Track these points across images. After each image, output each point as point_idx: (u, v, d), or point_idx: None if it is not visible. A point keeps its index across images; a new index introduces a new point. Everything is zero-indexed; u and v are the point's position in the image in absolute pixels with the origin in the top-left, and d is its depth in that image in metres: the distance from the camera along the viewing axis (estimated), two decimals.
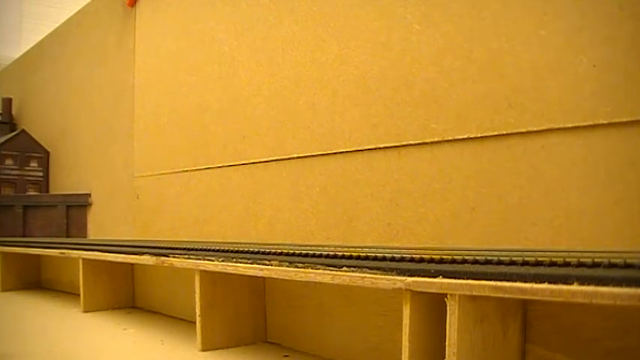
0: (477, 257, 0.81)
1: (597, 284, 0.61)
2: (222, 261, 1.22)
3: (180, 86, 2.27)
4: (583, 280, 0.62)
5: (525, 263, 0.74)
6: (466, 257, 0.82)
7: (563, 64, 1.08)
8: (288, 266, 1.03)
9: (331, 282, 0.93)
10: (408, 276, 0.81)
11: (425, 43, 1.33)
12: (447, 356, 0.74)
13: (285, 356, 1.22)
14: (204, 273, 1.27)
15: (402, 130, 1.38)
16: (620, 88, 1.00)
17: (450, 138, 1.27)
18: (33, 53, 3.98)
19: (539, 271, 0.68)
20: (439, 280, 0.77)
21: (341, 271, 0.93)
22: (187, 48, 2.24)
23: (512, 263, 0.75)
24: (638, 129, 0.99)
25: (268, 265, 1.08)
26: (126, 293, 1.91)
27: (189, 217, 2.20)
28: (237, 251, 1.27)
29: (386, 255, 0.93)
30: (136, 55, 2.62)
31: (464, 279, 0.74)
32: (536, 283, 0.66)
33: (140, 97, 2.58)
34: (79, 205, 3.11)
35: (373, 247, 1.13)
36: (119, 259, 1.63)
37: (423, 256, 0.88)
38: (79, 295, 1.84)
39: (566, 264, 0.70)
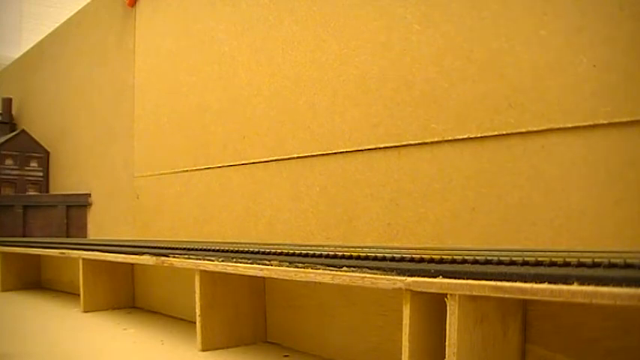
0: (477, 257, 0.81)
1: (597, 284, 0.61)
2: (222, 261, 1.22)
3: (180, 86, 2.27)
4: (583, 280, 0.62)
5: (525, 263, 0.74)
6: (466, 257, 0.82)
7: (563, 64, 1.08)
8: (288, 266, 1.03)
9: (331, 282, 0.93)
10: (408, 276, 0.81)
11: (425, 43, 1.33)
12: (447, 356, 0.74)
13: (285, 356, 1.22)
14: (204, 273, 1.27)
15: (402, 130, 1.38)
16: (620, 88, 1.00)
17: (450, 138, 1.27)
18: (33, 53, 3.98)
19: (539, 271, 0.68)
20: (439, 280, 0.77)
21: (341, 271, 0.93)
22: (187, 48, 2.24)
23: (512, 263, 0.75)
24: (638, 129, 0.99)
25: (268, 265, 1.08)
26: (126, 293, 1.91)
27: (189, 217, 2.20)
28: (237, 251, 1.27)
29: (386, 255, 0.93)
30: (136, 55, 2.62)
31: (464, 279, 0.74)
32: (536, 283, 0.66)
33: (140, 97, 2.58)
34: (79, 205, 3.11)
35: (373, 247, 1.13)
36: (119, 259, 1.63)
37: (423, 256, 0.88)
38: (79, 295, 1.84)
39: (566, 264, 0.70)
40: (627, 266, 0.64)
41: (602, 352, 0.77)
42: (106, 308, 1.85)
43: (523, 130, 1.14)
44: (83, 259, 1.81)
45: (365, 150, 1.47)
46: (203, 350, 1.26)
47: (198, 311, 1.27)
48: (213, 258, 1.26)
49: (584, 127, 1.05)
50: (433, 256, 0.87)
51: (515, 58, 1.15)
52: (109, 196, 2.87)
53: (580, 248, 0.95)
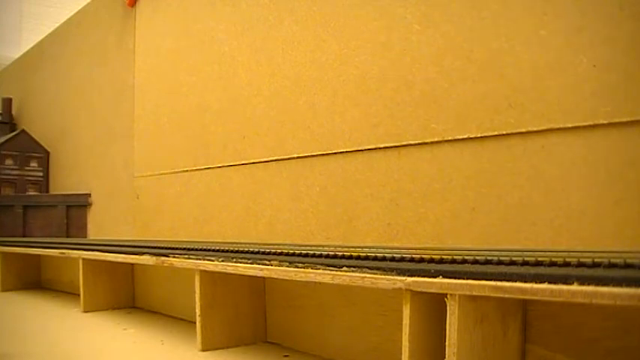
0: (477, 257, 0.81)
1: (597, 284, 0.61)
2: (222, 261, 1.22)
3: (180, 86, 2.27)
4: (583, 280, 0.62)
5: (525, 263, 0.74)
6: (466, 257, 0.82)
7: (563, 64, 1.08)
8: (288, 266, 1.03)
9: (331, 282, 0.93)
10: (408, 276, 0.81)
11: (425, 43, 1.33)
12: (447, 356, 0.74)
13: (285, 356, 1.22)
14: (204, 273, 1.27)
15: (402, 130, 1.38)
16: (620, 88, 1.00)
17: (450, 138, 1.27)
18: (33, 53, 3.99)
19: (539, 271, 0.68)
20: (439, 280, 0.77)
21: (341, 271, 0.93)
22: (187, 48, 2.24)
23: (512, 263, 0.75)
24: (638, 129, 0.99)
25: (268, 265, 1.08)
26: (126, 293, 1.91)
27: (189, 217, 2.20)
28: (237, 251, 1.27)
29: (386, 255, 0.93)
30: (136, 55, 2.62)
31: (464, 279, 0.74)
32: (536, 283, 0.66)
33: (140, 97, 2.58)
34: (79, 205, 3.11)
35: (373, 247, 1.13)
36: (119, 259, 1.63)
37: (423, 256, 0.88)
38: (79, 295, 1.84)
39: (566, 264, 0.70)
40: (627, 266, 0.64)
41: (602, 352, 0.77)
42: (106, 308, 1.85)
43: (523, 130, 1.14)
44: (83, 259, 1.81)
45: (365, 150, 1.47)
46: (203, 350, 1.26)
47: (198, 311, 1.27)
48: (213, 258, 1.26)
49: (584, 127, 1.05)
50: (433, 256, 0.87)
51: (515, 58, 1.15)
52: (109, 196, 2.87)
53: (580, 248, 0.95)
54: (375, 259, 0.93)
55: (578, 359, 0.80)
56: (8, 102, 4.11)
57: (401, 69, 1.38)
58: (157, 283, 1.82)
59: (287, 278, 1.03)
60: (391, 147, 1.40)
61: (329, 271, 0.94)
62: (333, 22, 1.58)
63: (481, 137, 1.21)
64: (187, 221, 2.21)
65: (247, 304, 1.35)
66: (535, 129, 1.12)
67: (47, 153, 3.59)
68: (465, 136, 1.24)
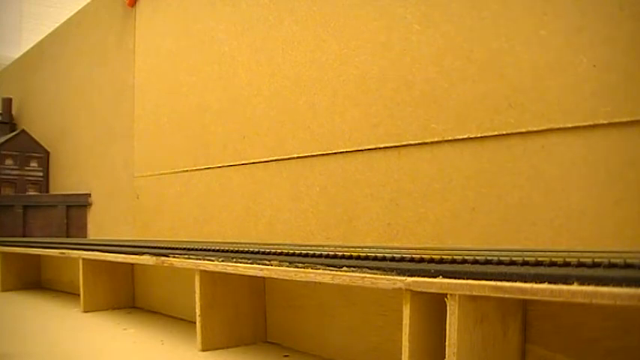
0: (477, 257, 0.81)
1: (597, 284, 0.61)
2: (222, 261, 1.22)
3: (180, 86, 2.27)
4: (583, 280, 0.62)
5: (525, 263, 0.74)
6: (466, 257, 0.82)
7: (563, 64, 1.08)
8: (288, 266, 1.03)
9: (331, 282, 0.93)
10: (408, 276, 0.81)
11: (425, 43, 1.33)
12: (447, 356, 0.74)
13: (285, 356, 1.22)
14: (204, 273, 1.27)
15: (402, 130, 1.38)
16: (620, 88, 1.00)
17: (450, 138, 1.27)
18: (33, 53, 3.99)
19: (539, 271, 0.68)
20: (439, 280, 0.77)
21: (341, 271, 0.93)
22: (187, 48, 2.24)
23: (512, 263, 0.75)
24: (638, 129, 0.99)
25: (268, 265, 1.08)
26: (126, 293, 1.91)
27: (189, 217, 2.20)
28: (237, 251, 1.27)
29: (386, 255, 0.93)
30: (136, 55, 2.62)
31: (464, 279, 0.74)
32: (536, 283, 0.66)
33: (140, 97, 2.58)
34: (79, 205, 3.11)
35: (373, 247, 1.13)
36: (119, 259, 1.63)
37: (423, 256, 0.88)
38: (79, 295, 1.84)
39: (566, 264, 0.70)
40: (627, 266, 0.64)
41: (602, 352, 0.77)
42: (106, 308, 1.85)
43: (523, 130, 1.14)
44: (83, 259, 1.81)
45: (365, 150, 1.47)
46: (203, 350, 1.26)
47: (198, 311, 1.27)
48: (213, 258, 1.26)
49: (584, 127, 1.05)
50: (433, 256, 0.87)
51: (515, 58, 1.15)
52: (109, 196, 2.87)
53: (580, 248, 0.95)
54: (375, 259, 0.93)
55: (578, 359, 0.80)
56: (8, 102, 4.11)
57: (401, 69, 1.38)
58: (157, 283, 1.82)
59: (287, 278, 1.03)
60: (391, 147, 1.40)
61: (329, 271, 0.94)
62: (333, 22, 1.58)
63: (481, 137, 1.21)
64: (187, 221, 2.21)
65: (247, 304, 1.35)
66: (535, 129, 1.12)
67: (47, 153, 3.59)
68: (465, 136, 1.24)
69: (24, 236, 3.19)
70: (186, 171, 2.22)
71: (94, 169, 3.03)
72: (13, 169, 3.50)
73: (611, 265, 0.65)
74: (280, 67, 1.76)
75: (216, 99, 2.06)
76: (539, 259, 0.73)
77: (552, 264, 0.71)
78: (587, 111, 1.05)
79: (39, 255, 2.36)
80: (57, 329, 1.58)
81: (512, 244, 1.13)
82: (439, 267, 0.81)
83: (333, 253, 1.01)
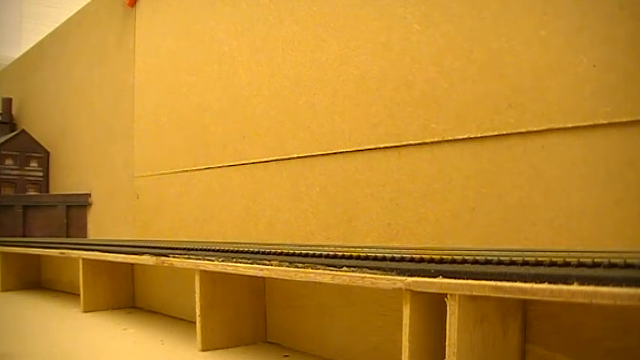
0: (477, 257, 0.81)
1: (597, 284, 0.61)
2: (222, 261, 1.22)
3: (180, 86, 2.27)
4: (583, 280, 0.62)
5: (525, 263, 0.74)
6: (466, 257, 0.82)
7: (563, 64, 1.08)
8: (288, 266, 1.03)
9: (331, 282, 0.93)
10: (408, 276, 0.81)
11: (425, 43, 1.33)
12: (447, 356, 0.74)
13: (285, 356, 1.22)
14: (204, 273, 1.27)
15: (402, 130, 1.38)
16: (620, 88, 1.00)
17: (450, 138, 1.27)
18: (33, 53, 3.98)
19: (539, 271, 0.68)
20: (439, 280, 0.77)
21: (341, 271, 0.93)
22: (187, 48, 2.24)
23: (512, 263, 0.75)
24: (638, 129, 0.99)
25: (268, 265, 1.08)
26: (126, 293, 1.91)
27: (189, 217, 2.20)
28: (237, 251, 1.27)
29: (386, 255, 0.93)
30: (136, 55, 2.62)
31: (464, 279, 0.74)
32: (536, 283, 0.66)
33: (140, 97, 2.58)
34: (79, 205, 3.11)
35: (373, 247, 1.12)
36: (119, 259, 1.63)
37: (423, 256, 0.88)
38: (79, 295, 1.84)
39: (566, 264, 0.70)
40: (627, 266, 0.64)
41: (602, 352, 0.77)
42: (106, 308, 1.85)
43: (523, 130, 1.14)
44: (83, 259, 1.81)
45: (365, 150, 1.47)
46: (203, 350, 1.26)
47: (198, 311, 1.27)
48: (213, 258, 1.26)
49: (584, 127, 1.05)
50: (433, 256, 0.87)
51: (515, 58, 1.15)
52: (109, 196, 2.87)
53: (580, 248, 0.95)
54: (375, 259, 0.93)
55: (578, 359, 0.80)
56: (8, 102, 4.11)
57: (401, 69, 1.38)
58: (157, 283, 1.82)
59: (287, 278, 1.03)
60: (391, 147, 1.40)
61: (329, 271, 0.94)
62: (333, 22, 1.58)
63: (481, 137, 1.21)
64: (187, 221, 2.21)
65: (247, 304, 1.35)
66: (535, 129, 1.12)
67: (47, 153, 3.59)
68: (465, 136, 1.24)
69: (24, 236, 3.19)
70: (186, 171, 2.22)
71: (94, 169, 3.03)
72: (13, 169, 3.50)
73: (611, 265, 0.65)
74: (280, 67, 1.76)
75: (216, 99, 2.06)
76: (539, 259, 0.73)
77: (552, 264, 0.71)
78: (587, 111, 1.05)
79: (39, 255, 2.36)
80: (57, 329, 1.58)
81: (512, 244, 1.13)
82: (439, 267, 0.81)
83: (333, 253, 1.01)
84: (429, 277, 0.79)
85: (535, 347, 0.85)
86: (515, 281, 0.68)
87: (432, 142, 1.31)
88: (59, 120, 3.49)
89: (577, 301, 0.61)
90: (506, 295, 0.69)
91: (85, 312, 1.80)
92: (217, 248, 1.33)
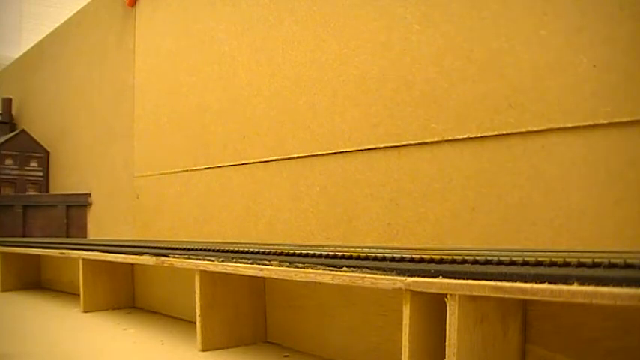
0: (477, 257, 0.81)
1: (597, 284, 0.61)
2: (222, 261, 1.22)
3: (180, 86, 2.27)
4: (583, 280, 0.62)
5: (525, 263, 0.74)
6: (466, 257, 0.82)
7: (563, 64, 1.08)
8: (288, 266, 1.03)
9: (331, 282, 0.93)
10: (408, 276, 0.81)
11: (425, 43, 1.33)
12: (447, 356, 0.74)
13: (285, 356, 1.22)
14: (204, 273, 1.27)
15: (402, 130, 1.38)
16: (620, 88, 1.00)
17: (450, 138, 1.27)
18: (33, 53, 3.98)
19: (539, 271, 0.68)
20: (439, 280, 0.77)
21: (341, 271, 0.93)
22: (187, 48, 2.24)
23: (512, 263, 0.75)
24: (638, 129, 0.99)
25: (268, 265, 1.08)
26: (126, 293, 1.91)
27: (189, 217, 2.20)
28: (237, 251, 1.27)
29: (386, 255, 0.93)
30: (136, 55, 2.62)
31: (464, 279, 0.74)
32: (536, 283, 0.66)
33: (140, 97, 2.58)
34: (79, 205, 3.11)
35: (373, 247, 1.12)
36: (119, 259, 1.63)
37: (423, 256, 0.88)
38: (79, 295, 1.84)
39: (566, 264, 0.70)
40: (627, 266, 0.64)
41: (602, 352, 0.77)
42: (106, 308, 1.85)
43: (523, 130, 1.14)
44: (83, 259, 1.81)
45: (365, 150, 1.47)
46: (203, 350, 1.26)
47: (198, 311, 1.27)
48: (213, 258, 1.26)
49: (584, 127, 1.05)
50: (433, 256, 0.87)
51: (515, 58, 1.15)
52: (109, 196, 2.87)
53: (580, 248, 0.95)
54: (375, 259, 0.93)
55: (578, 359, 0.80)
56: (8, 102, 4.11)
57: (401, 69, 1.38)
58: (157, 283, 1.82)
59: (287, 278, 1.03)
60: (391, 147, 1.40)
61: (329, 271, 0.94)
62: (333, 22, 1.58)
63: (481, 137, 1.21)
64: (187, 221, 2.21)
65: (247, 304, 1.35)
66: (535, 129, 1.12)
67: (47, 153, 3.59)
68: (465, 136, 1.24)
69: (24, 236, 3.19)
70: (186, 171, 2.22)
71: (94, 169, 3.03)
72: (13, 169, 3.50)
73: (611, 265, 0.65)
74: (280, 67, 1.76)
75: (216, 99, 2.06)
76: (539, 259, 0.73)
77: (552, 264, 0.71)
78: (587, 111, 1.05)
79: (39, 255, 2.36)
80: (57, 329, 1.58)
81: (512, 244, 1.13)
82: (439, 267, 0.81)
83: (333, 253, 1.01)
84: (429, 277, 0.79)
85: (535, 347, 0.85)
86: (515, 281, 0.68)
87: (432, 142, 1.31)
88: (59, 120, 3.49)
89: (577, 301, 0.61)
90: (506, 295, 0.69)
91: (85, 312, 1.80)
92: (217, 248, 1.33)
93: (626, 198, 0.99)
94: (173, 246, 1.52)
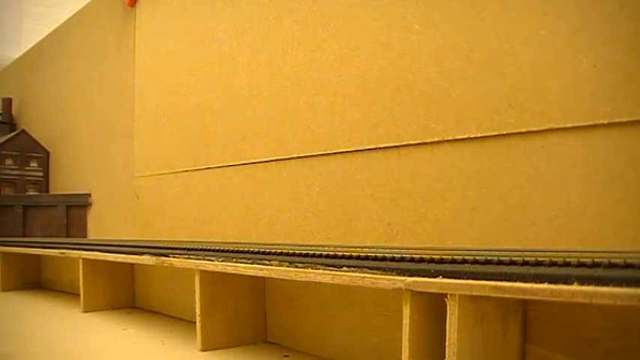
0: (477, 257, 0.81)
1: (597, 284, 0.61)
2: (222, 261, 1.22)
3: (180, 86, 2.27)
4: (583, 280, 0.62)
5: (525, 263, 0.74)
6: (466, 257, 0.82)
7: (563, 64, 1.08)
8: (288, 266, 1.03)
9: (331, 282, 0.93)
10: (408, 276, 0.81)
11: (425, 43, 1.33)
12: (447, 356, 0.74)
13: (285, 356, 1.22)
14: (204, 273, 1.27)
15: (402, 130, 1.38)
16: (620, 88, 1.00)
17: (450, 138, 1.27)
18: (33, 53, 3.98)
19: (539, 271, 0.68)
20: (439, 280, 0.77)
21: (341, 271, 0.93)
22: (187, 48, 2.24)
23: (512, 263, 0.75)
24: (638, 129, 0.99)
25: (268, 265, 1.08)
26: (126, 293, 1.91)
27: (189, 217, 2.20)
28: (237, 251, 1.27)
29: (386, 255, 0.93)
30: (136, 55, 2.62)
31: (464, 279, 0.74)
32: (536, 283, 0.66)
33: (140, 97, 2.58)
34: (79, 205, 3.11)
35: (373, 247, 1.12)
36: (119, 259, 1.63)
37: (423, 256, 0.88)
38: (79, 295, 1.84)
39: (566, 264, 0.70)
40: (627, 266, 0.64)
41: (602, 352, 0.77)
42: (106, 308, 1.85)
43: (523, 130, 1.14)
44: (83, 259, 1.81)
45: (365, 150, 1.47)
46: (203, 350, 1.26)
47: (198, 311, 1.27)
48: (213, 258, 1.26)
49: (584, 127, 1.05)
50: (433, 256, 0.87)
51: (515, 58, 1.15)
52: (109, 196, 2.87)
53: (580, 248, 0.95)
54: (375, 259, 0.93)
55: (578, 359, 0.80)
56: (8, 102, 4.11)
57: (401, 69, 1.38)
58: (157, 283, 1.82)
59: (287, 278, 1.03)
60: (391, 147, 1.40)
61: (329, 271, 0.94)
62: (333, 22, 1.58)
63: (481, 137, 1.21)
64: (187, 221, 2.21)
65: (247, 304, 1.35)
66: (535, 129, 1.12)
67: (47, 153, 3.59)
68: (465, 136, 1.24)
69: (24, 236, 3.19)
70: (186, 171, 2.22)
71: (94, 169, 3.03)
72: (13, 169, 3.50)
73: (611, 265, 0.65)
74: (280, 67, 1.76)
75: (216, 99, 2.06)
76: (539, 259, 0.73)
77: (552, 264, 0.71)
78: (587, 111, 1.05)
79: (39, 255, 2.36)
80: (57, 329, 1.58)
81: (512, 244, 1.13)
82: (439, 267, 0.81)
83: (333, 253, 1.01)
84: (429, 277, 0.79)
85: (535, 347, 0.85)
86: (515, 281, 0.68)
87: (432, 142, 1.31)
88: (59, 120, 3.49)
89: (577, 301, 0.61)
90: (506, 295, 0.69)
91: (85, 312, 1.80)
92: (217, 248, 1.33)
93: (626, 198, 0.99)
94: (173, 246, 1.52)
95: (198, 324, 1.27)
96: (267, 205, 1.81)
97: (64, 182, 3.41)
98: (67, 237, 3.08)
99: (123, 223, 2.69)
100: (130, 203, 2.61)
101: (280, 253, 1.16)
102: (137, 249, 1.60)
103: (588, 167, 1.05)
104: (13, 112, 4.12)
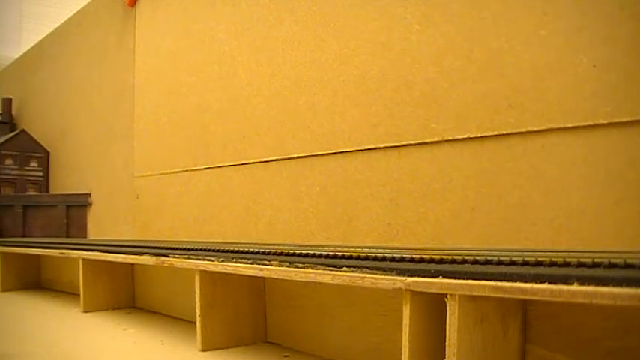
0: (477, 257, 0.81)
1: (597, 284, 0.60)
2: (222, 261, 1.22)
3: (180, 86, 2.27)
4: (583, 280, 0.62)
5: (525, 263, 0.74)
6: (466, 257, 0.82)
7: (563, 64, 1.08)
8: (288, 266, 1.03)
9: (331, 282, 0.93)
10: (408, 276, 0.81)
11: (425, 43, 1.33)
12: (447, 356, 0.74)
13: (285, 356, 1.22)
14: (204, 273, 1.27)
15: (402, 130, 1.38)
16: (620, 88, 1.00)
17: (450, 138, 1.27)
18: (33, 53, 3.99)
19: (539, 271, 0.68)
20: (439, 280, 0.77)
21: (341, 271, 0.93)
22: (187, 48, 2.24)
23: (512, 263, 0.75)
24: (638, 129, 0.99)
25: (268, 265, 1.08)
26: (126, 293, 1.91)
27: (189, 217, 2.20)
28: (237, 251, 1.27)
29: (386, 255, 0.93)
30: (136, 55, 2.62)
31: (464, 279, 0.74)
32: (536, 283, 0.66)
33: (140, 97, 2.58)
34: (79, 205, 3.11)
35: (373, 247, 1.12)
36: (119, 259, 1.63)
37: (423, 256, 0.88)
38: (79, 295, 1.84)
39: (566, 264, 0.70)
40: (627, 266, 0.64)
41: (602, 352, 0.77)
42: (106, 308, 1.85)
43: (523, 130, 1.14)
44: (83, 259, 1.81)
45: (365, 150, 1.47)
46: (203, 350, 1.26)
47: (198, 311, 1.27)
48: (213, 258, 1.26)
49: (584, 127, 1.05)
50: (433, 256, 0.87)
51: (515, 58, 1.15)
52: (109, 196, 2.87)
53: (580, 248, 0.95)
54: (375, 259, 0.93)
55: (578, 359, 0.80)
56: (8, 102, 4.11)
57: (401, 69, 1.38)
58: (157, 283, 1.82)
59: (287, 278, 1.03)
60: (391, 147, 1.40)
61: (329, 271, 0.94)
62: (333, 22, 1.58)
63: (481, 137, 1.21)
64: (187, 221, 2.21)
65: (247, 304, 1.35)
66: (535, 129, 1.12)
67: (47, 153, 3.59)
68: (465, 136, 1.24)
69: (24, 236, 3.19)
70: (186, 171, 2.22)
71: (94, 169, 3.03)
72: (13, 169, 3.50)
73: (611, 265, 0.65)
74: (280, 67, 1.76)
75: (216, 99, 2.06)
76: (539, 259, 0.73)
77: (552, 264, 0.71)
78: (587, 111, 1.05)
79: (39, 255, 2.36)
80: (57, 329, 1.58)
81: (512, 244, 1.13)
82: (439, 267, 0.81)
83: (333, 253, 1.01)
84: (429, 277, 0.79)
85: (535, 347, 0.85)
86: (515, 281, 0.68)
87: (432, 142, 1.31)
88: (59, 120, 3.49)
89: (577, 301, 0.61)
90: (506, 295, 0.69)
91: (85, 312, 1.80)
92: (217, 248, 1.33)
93: (626, 198, 0.99)
94: (173, 246, 1.52)
95: (198, 324, 1.27)
96: (267, 205, 1.81)
97: (64, 182, 3.41)
98: (67, 237, 3.08)
99: (123, 223, 2.69)
100: (130, 203, 2.61)
101: (280, 253, 1.16)
102: (137, 249, 1.60)
103: (588, 167, 1.05)
104: (13, 112, 4.12)
